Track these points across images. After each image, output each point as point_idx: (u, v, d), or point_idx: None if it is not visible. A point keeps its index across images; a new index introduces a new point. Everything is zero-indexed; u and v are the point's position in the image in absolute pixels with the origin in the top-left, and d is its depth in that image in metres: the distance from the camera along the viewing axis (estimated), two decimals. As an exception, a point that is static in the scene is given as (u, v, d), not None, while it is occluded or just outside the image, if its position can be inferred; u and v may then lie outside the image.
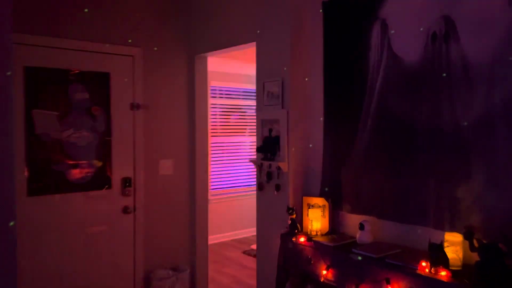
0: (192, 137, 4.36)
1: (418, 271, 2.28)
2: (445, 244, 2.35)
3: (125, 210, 3.98)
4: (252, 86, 7.10)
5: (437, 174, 2.52)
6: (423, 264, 2.28)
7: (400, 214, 2.72)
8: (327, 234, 3.04)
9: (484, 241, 2.19)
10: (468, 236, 2.23)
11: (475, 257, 2.17)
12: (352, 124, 2.97)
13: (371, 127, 2.86)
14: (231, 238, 7.05)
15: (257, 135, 3.52)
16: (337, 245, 2.80)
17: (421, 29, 2.58)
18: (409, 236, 2.69)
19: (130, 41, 3.94)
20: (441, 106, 2.49)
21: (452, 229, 2.43)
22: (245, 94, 7.26)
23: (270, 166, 3.35)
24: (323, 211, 3.07)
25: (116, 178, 3.93)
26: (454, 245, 2.32)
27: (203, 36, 4.19)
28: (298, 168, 3.31)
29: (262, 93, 3.45)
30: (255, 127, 7.38)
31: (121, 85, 3.93)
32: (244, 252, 6.37)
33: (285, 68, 3.26)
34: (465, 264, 2.30)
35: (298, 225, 3.08)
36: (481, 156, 2.33)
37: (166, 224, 4.25)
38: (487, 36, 2.29)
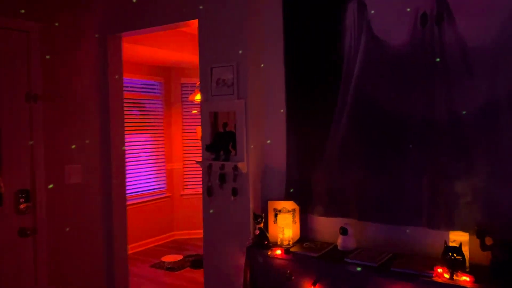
0: (106, 136, 3.54)
1: (435, 279, 2.02)
2: (451, 243, 2.15)
3: (22, 232, 3.03)
4: (155, 79, 6.36)
5: (431, 169, 2.31)
6: (439, 270, 2.03)
7: (386, 214, 2.45)
8: (298, 242, 2.65)
9: (495, 239, 2.03)
10: (480, 234, 2.06)
11: (481, 256, 2.02)
12: (325, 116, 2.62)
13: (349, 119, 2.54)
14: (133, 251, 6.21)
15: (203, 131, 2.95)
16: (321, 254, 2.43)
17: (408, 9, 2.34)
18: (397, 238, 2.45)
19: (23, 11, 3.00)
20: (436, 95, 2.28)
21: (450, 227, 2.24)
22: (144, 88, 6.45)
23: (223, 167, 2.82)
24: (294, 216, 2.67)
25: (9, 191, 2.96)
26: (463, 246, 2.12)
27: (121, 10, 3.42)
28: (258, 168, 2.85)
29: (210, 81, 2.90)
30: (155, 125, 6.70)
31: (11, 69, 2.97)
32: (153, 266, 5.63)
33: (240, 51, 2.77)
34: (472, 265, 2.12)
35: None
36: (483, 148, 2.17)
37: (76, 246, 3.38)
38: (489, 17, 2.14)
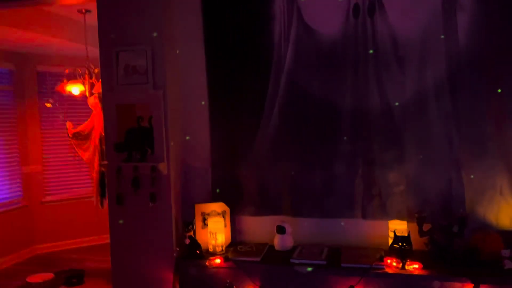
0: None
1: (387, 270, 2.03)
2: (390, 233, 2.21)
3: None
4: (2, 65, 5.18)
5: (365, 160, 2.33)
6: (389, 261, 2.05)
7: (321, 208, 2.40)
8: (231, 246, 2.43)
9: (434, 225, 2.15)
10: (420, 221, 2.15)
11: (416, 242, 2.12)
12: (254, 108, 2.45)
13: (280, 111, 2.42)
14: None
15: (107, 128, 2.48)
16: (263, 258, 2.25)
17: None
18: (333, 231, 2.42)
19: None
20: (368, 85, 2.30)
21: (385, 217, 2.31)
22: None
23: (136, 169, 2.41)
24: (225, 219, 2.43)
25: None
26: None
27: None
28: (179, 168, 2.52)
29: (116, 67, 2.43)
30: (4, 121, 5.49)
31: None
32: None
33: (155, 33, 2.38)
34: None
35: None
36: (414, 138, 2.27)
37: None
38: (417, 11, 2.22)
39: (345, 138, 2.33)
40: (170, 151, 2.41)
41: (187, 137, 2.59)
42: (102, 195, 3.86)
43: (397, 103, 2.27)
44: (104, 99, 2.48)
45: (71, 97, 4.43)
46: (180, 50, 2.55)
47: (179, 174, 2.52)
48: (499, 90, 2.15)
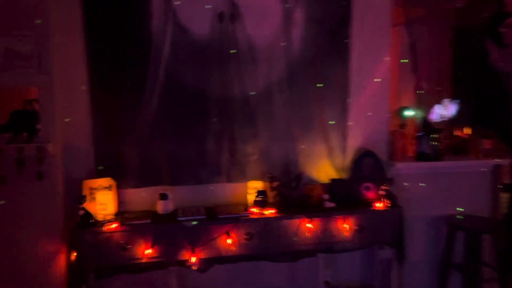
0: None
1: (252, 216, 2.73)
2: (249, 191, 2.91)
3: None
4: None
5: (229, 136, 2.97)
6: (253, 209, 2.75)
7: (195, 176, 2.95)
8: (118, 215, 2.76)
9: (280, 182, 2.94)
10: (271, 180, 2.91)
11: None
12: (134, 93, 2.81)
13: (159, 96, 2.84)
14: None
15: (-15, 110, 2.49)
16: (153, 220, 2.68)
17: (209, 6, 2.86)
18: (204, 194, 2.99)
19: None
20: (232, 78, 2.93)
21: (244, 180, 3.00)
22: None
23: (21, 150, 2.51)
24: (112, 192, 2.75)
25: None
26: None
27: None
28: (62, 148, 2.70)
29: (-7, 51, 2.46)
30: None
31: None
32: None
33: (39, 21, 2.51)
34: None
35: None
36: (264, 119, 3.01)
37: None
38: (266, 22, 2.94)
39: (214, 119, 2.91)
40: (56, 132, 2.59)
41: (67, 119, 2.76)
42: None
43: (252, 93, 2.96)
44: (-19, 82, 2.47)
45: None
46: (59, 37, 2.69)
47: (62, 153, 2.70)
48: (319, 85, 3.05)
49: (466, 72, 3.73)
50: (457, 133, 3.64)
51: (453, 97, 3.59)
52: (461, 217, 3.21)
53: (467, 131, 3.59)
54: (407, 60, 3.81)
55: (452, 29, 3.91)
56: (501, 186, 3.56)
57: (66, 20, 2.69)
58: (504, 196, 3.36)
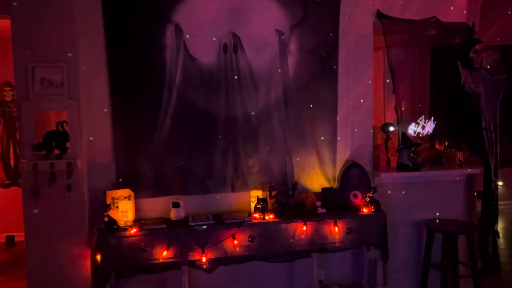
0: None
1: (254, 221, 3.12)
2: (251, 199, 3.31)
3: None
4: None
5: (233, 151, 3.37)
6: (255, 215, 3.14)
7: (203, 187, 3.35)
8: (136, 222, 3.13)
9: (278, 191, 3.34)
10: (270, 189, 3.31)
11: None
12: (151, 116, 3.21)
13: (172, 118, 3.24)
14: None
15: (24, 131, 2.87)
16: (168, 225, 3.06)
17: (214, 39, 3.29)
18: (212, 203, 3.38)
19: None
20: (235, 100, 3.35)
21: (246, 189, 3.40)
22: None
23: (52, 165, 2.89)
24: (131, 202, 3.13)
25: None
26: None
27: None
28: (87, 163, 3.09)
29: (31, 80, 2.86)
30: None
31: None
32: None
33: (70, 54, 2.92)
34: (263, 210, 3.35)
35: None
36: (264, 136, 3.42)
37: None
38: (264, 52, 3.38)
39: (220, 136, 3.32)
40: (83, 150, 2.98)
41: (91, 138, 3.15)
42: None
43: (253, 113, 3.38)
44: (19, 106, 2.86)
45: None
46: (85, 67, 3.09)
47: (87, 168, 3.08)
48: (312, 105, 3.48)
49: (442, 92, 4.16)
50: (435, 146, 4.08)
51: (430, 114, 4.03)
52: (438, 221, 3.63)
53: (443, 144, 4.03)
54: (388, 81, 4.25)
55: (430, 51, 4.36)
56: (476, 194, 4.01)
57: (92, 54, 3.09)
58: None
